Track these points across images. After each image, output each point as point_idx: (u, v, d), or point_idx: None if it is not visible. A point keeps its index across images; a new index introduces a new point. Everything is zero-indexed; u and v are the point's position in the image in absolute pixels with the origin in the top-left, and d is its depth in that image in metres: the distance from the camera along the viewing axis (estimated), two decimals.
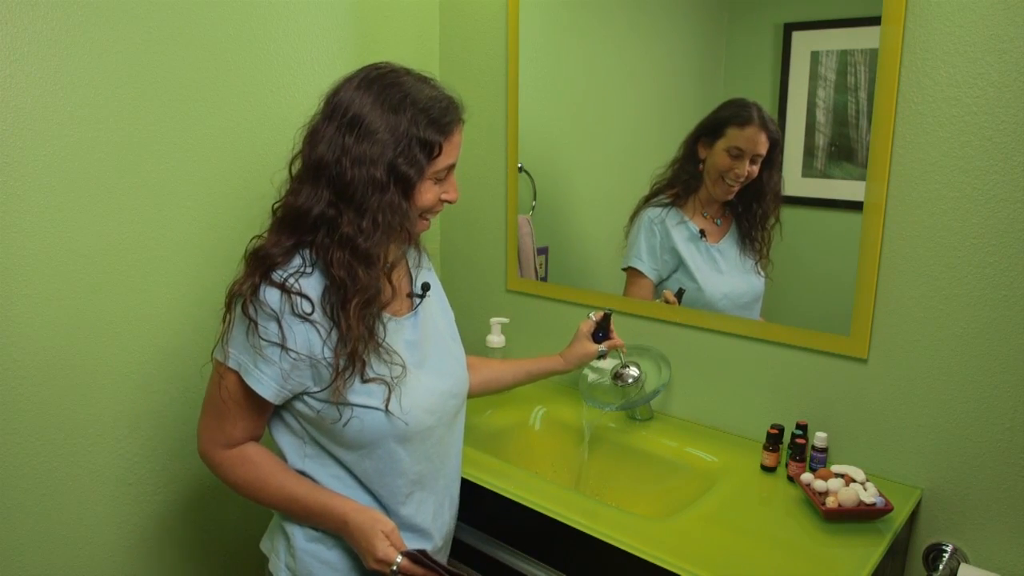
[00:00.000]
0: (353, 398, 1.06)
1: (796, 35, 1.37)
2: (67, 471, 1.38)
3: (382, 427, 1.08)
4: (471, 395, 1.36)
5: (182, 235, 1.47)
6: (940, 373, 1.27)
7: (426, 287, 1.21)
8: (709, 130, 1.48)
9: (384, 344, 1.09)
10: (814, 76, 1.35)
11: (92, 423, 1.40)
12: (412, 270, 1.22)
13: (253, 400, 1.07)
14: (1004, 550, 1.25)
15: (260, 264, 1.04)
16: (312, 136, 1.05)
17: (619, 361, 1.57)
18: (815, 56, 1.35)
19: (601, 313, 1.50)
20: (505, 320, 1.76)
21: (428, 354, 1.17)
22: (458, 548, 1.40)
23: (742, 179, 1.46)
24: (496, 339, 1.74)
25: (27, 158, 1.24)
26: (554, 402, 1.70)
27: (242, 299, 1.04)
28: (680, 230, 1.55)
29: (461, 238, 1.98)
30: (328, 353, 1.04)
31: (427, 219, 1.13)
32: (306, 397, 1.08)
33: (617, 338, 1.51)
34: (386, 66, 1.08)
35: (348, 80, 1.06)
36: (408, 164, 1.03)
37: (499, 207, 1.86)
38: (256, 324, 1.03)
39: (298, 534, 1.14)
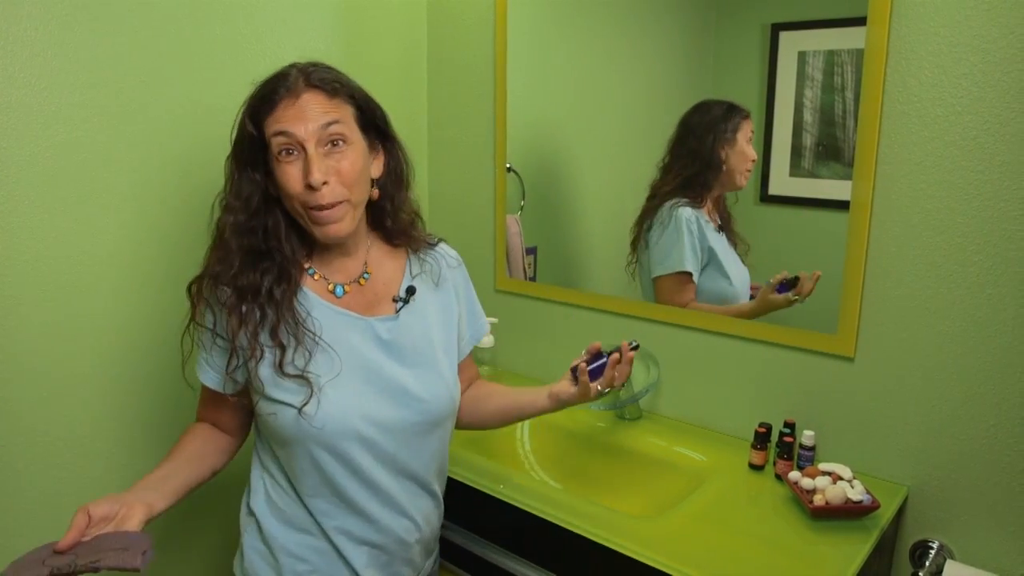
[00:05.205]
0: (273, 392, 1.06)
1: (783, 35, 1.37)
2: (59, 474, 1.36)
3: (293, 427, 1.05)
4: (465, 426, 1.27)
5: (169, 236, 1.46)
6: (926, 371, 1.28)
7: (411, 291, 1.17)
8: (728, 132, 1.48)
9: (319, 340, 1.07)
10: (801, 76, 1.36)
11: (85, 425, 1.38)
12: (407, 276, 1.19)
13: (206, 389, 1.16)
14: (990, 546, 1.26)
15: None
16: None
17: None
18: (802, 56, 1.35)
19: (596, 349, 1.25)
20: (494, 320, 1.76)
21: (403, 360, 1.12)
22: (448, 548, 1.39)
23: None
24: (485, 339, 1.74)
25: (15, 157, 1.23)
26: None
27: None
28: (708, 228, 1.54)
29: (449, 238, 1.96)
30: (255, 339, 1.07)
31: (316, 210, 1.03)
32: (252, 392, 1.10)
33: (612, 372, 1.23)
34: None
35: None
36: (240, 148, 1.08)
37: (487, 207, 1.85)
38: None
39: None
